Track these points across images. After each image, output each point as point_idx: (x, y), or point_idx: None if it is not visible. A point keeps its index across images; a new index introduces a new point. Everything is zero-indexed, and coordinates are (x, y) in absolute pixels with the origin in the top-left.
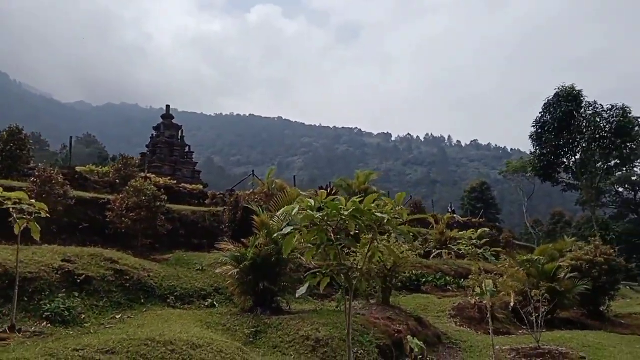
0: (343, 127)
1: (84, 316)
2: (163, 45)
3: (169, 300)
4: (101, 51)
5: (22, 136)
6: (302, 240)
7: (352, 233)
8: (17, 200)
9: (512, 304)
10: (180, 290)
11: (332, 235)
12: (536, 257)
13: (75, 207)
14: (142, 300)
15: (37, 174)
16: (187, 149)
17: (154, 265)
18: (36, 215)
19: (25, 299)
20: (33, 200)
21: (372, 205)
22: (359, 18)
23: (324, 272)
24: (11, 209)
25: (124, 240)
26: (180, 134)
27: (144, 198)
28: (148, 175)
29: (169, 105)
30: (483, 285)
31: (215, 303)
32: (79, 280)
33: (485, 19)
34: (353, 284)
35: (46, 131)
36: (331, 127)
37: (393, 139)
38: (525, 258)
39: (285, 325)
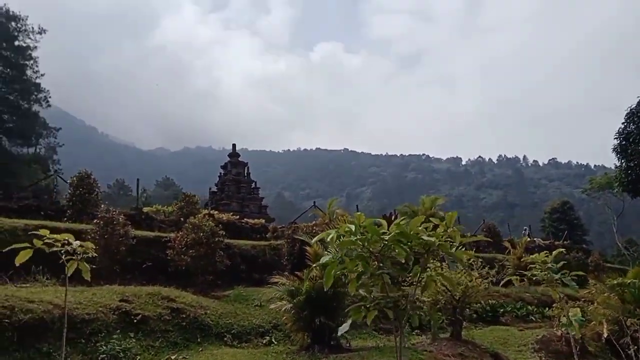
0: (410, 155)
1: (139, 357)
2: (232, 89)
3: (225, 339)
4: (176, 100)
5: (91, 180)
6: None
7: (401, 260)
8: (66, 241)
9: (605, 335)
10: (237, 328)
11: (377, 263)
12: (630, 281)
13: (139, 246)
14: (199, 339)
15: (99, 215)
16: (253, 185)
17: (212, 302)
18: (85, 255)
19: (83, 340)
20: (78, 242)
21: (420, 227)
22: (419, 43)
23: (368, 305)
24: (60, 251)
25: (185, 278)
26: (246, 171)
27: (202, 234)
28: (211, 212)
29: (234, 144)
30: (569, 314)
31: (273, 340)
32: (135, 320)
33: (554, 33)
34: (404, 318)
35: (131, 177)
36: (398, 155)
37: (463, 162)
38: (616, 282)
39: None
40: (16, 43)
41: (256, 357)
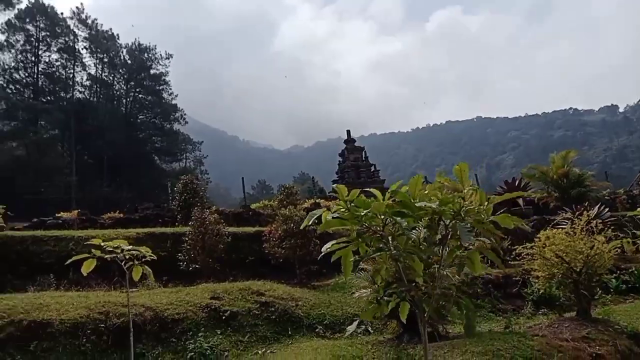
0: (554, 111)
1: (227, 353)
2: (352, 77)
3: (317, 330)
4: (302, 98)
5: (194, 185)
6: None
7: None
8: (119, 247)
9: None
10: (329, 318)
11: (385, 243)
12: None
13: (241, 242)
14: (290, 332)
15: (193, 217)
16: (372, 169)
17: (307, 293)
18: (144, 259)
19: (174, 339)
20: (130, 246)
21: (424, 192)
22: None
23: (378, 297)
24: (118, 256)
25: (287, 270)
26: (364, 156)
27: (292, 225)
28: (317, 200)
29: (349, 131)
30: None
31: (369, 329)
32: (224, 317)
33: None
34: (424, 308)
35: (272, 177)
36: (540, 113)
37: (621, 110)
38: None
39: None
40: (151, 72)
41: (338, 349)
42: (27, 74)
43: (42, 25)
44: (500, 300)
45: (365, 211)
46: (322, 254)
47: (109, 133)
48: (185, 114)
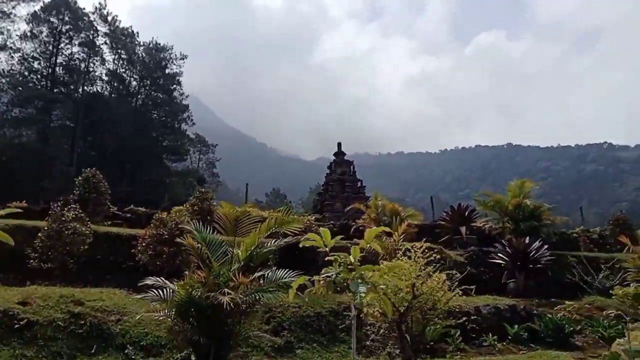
0: (588, 144)
1: None
2: (388, 94)
3: (127, 351)
4: (335, 111)
5: (96, 181)
6: None
7: None
8: None
9: None
10: (151, 339)
11: None
12: None
13: (122, 245)
14: (93, 350)
15: (50, 212)
16: (359, 184)
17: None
18: None
19: None
20: None
21: None
22: (596, 20)
23: None
24: None
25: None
26: (351, 170)
27: (163, 231)
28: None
29: (339, 143)
30: None
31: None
32: (17, 325)
33: None
34: None
35: (293, 187)
36: (573, 145)
37: None
38: None
39: None
40: (167, 71)
41: None
42: (47, 64)
43: (66, 18)
44: None
45: None
46: None
47: (117, 126)
48: (192, 116)
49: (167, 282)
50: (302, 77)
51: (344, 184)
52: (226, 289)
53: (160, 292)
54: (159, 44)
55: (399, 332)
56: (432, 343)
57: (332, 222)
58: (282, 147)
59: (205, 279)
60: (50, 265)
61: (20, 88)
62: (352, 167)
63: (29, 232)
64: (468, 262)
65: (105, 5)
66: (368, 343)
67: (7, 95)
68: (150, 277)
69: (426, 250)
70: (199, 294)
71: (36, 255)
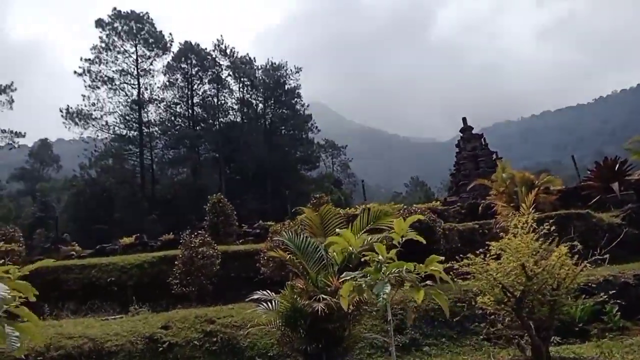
0: None
1: None
2: (518, 52)
3: None
4: (463, 84)
5: (221, 205)
6: None
7: None
8: None
9: None
10: (276, 349)
11: None
12: None
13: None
14: None
15: (182, 241)
16: (494, 157)
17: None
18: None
19: None
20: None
21: None
22: None
23: None
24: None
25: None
26: (483, 143)
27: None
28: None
29: (464, 118)
30: None
31: None
32: (161, 348)
33: None
34: None
35: (433, 172)
36: None
37: None
38: None
39: None
40: (286, 87)
41: None
42: (187, 106)
43: (193, 62)
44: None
45: None
46: None
47: (253, 149)
48: (316, 124)
49: (272, 293)
50: (422, 58)
51: (477, 159)
52: (321, 295)
53: (268, 304)
54: (274, 63)
55: (520, 319)
56: (580, 325)
57: (458, 204)
58: (414, 134)
59: (305, 287)
60: (190, 288)
61: (169, 132)
62: (482, 140)
63: (170, 261)
64: (627, 222)
65: (223, 40)
66: (491, 335)
67: (162, 140)
68: (257, 292)
69: (544, 222)
70: (300, 302)
71: (177, 281)
